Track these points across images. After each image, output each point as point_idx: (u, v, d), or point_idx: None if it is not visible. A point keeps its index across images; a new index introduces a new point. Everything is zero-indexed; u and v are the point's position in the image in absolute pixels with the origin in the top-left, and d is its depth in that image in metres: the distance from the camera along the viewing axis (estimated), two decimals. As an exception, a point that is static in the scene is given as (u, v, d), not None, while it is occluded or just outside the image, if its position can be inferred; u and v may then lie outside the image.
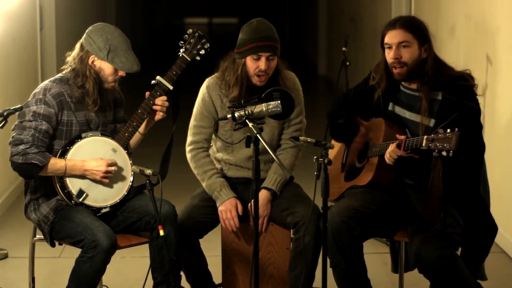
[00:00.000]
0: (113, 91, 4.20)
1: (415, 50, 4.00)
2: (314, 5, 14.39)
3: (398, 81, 4.06)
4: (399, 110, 4.11)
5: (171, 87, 4.17)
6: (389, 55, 4.01)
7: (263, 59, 4.19)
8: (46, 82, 4.13)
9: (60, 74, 4.15)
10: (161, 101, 4.16)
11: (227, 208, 4.26)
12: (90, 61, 4.08)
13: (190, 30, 4.27)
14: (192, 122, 4.39)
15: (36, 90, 4.10)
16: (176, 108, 4.26)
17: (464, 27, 6.14)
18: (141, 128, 4.22)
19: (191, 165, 4.38)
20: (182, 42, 4.24)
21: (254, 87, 4.24)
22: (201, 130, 4.36)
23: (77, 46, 4.13)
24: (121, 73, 4.11)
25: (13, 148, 3.98)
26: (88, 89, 4.07)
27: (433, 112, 4.00)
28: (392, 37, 4.01)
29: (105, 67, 4.08)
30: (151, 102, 4.16)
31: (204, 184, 4.34)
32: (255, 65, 4.21)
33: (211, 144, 4.46)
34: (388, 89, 4.12)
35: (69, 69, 4.12)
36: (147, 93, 4.18)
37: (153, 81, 4.18)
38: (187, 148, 4.39)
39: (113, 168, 4.06)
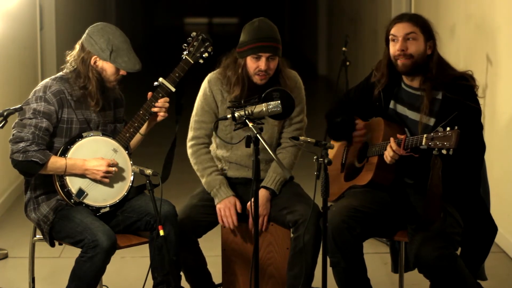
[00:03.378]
0: (114, 90, 4.20)
1: (421, 44, 3.99)
2: (314, 5, 14.39)
3: (402, 73, 4.03)
4: (400, 109, 4.11)
5: (173, 89, 4.17)
6: (395, 47, 3.99)
7: (263, 59, 4.19)
8: (46, 80, 4.13)
9: (60, 73, 4.15)
10: (161, 102, 4.16)
11: (226, 206, 4.26)
12: (92, 61, 4.07)
13: (194, 33, 4.26)
14: (193, 117, 4.38)
15: (37, 87, 4.09)
16: (178, 110, 4.26)
17: (464, 27, 6.14)
18: (142, 129, 4.21)
19: (191, 160, 4.38)
20: (185, 44, 4.23)
21: (255, 86, 4.24)
22: (202, 125, 4.35)
23: (77, 46, 4.12)
24: (123, 72, 4.10)
25: (13, 146, 3.98)
26: (90, 90, 4.07)
27: (433, 111, 4.00)
28: (399, 29, 3.99)
29: (107, 67, 4.08)
30: (153, 103, 4.16)
31: (203, 181, 4.34)
32: (255, 65, 4.20)
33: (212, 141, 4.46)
34: (389, 87, 4.11)
35: (70, 69, 4.11)
36: (149, 94, 4.18)
37: (155, 83, 4.17)
38: (188, 144, 4.39)
39: (113, 169, 4.06)
